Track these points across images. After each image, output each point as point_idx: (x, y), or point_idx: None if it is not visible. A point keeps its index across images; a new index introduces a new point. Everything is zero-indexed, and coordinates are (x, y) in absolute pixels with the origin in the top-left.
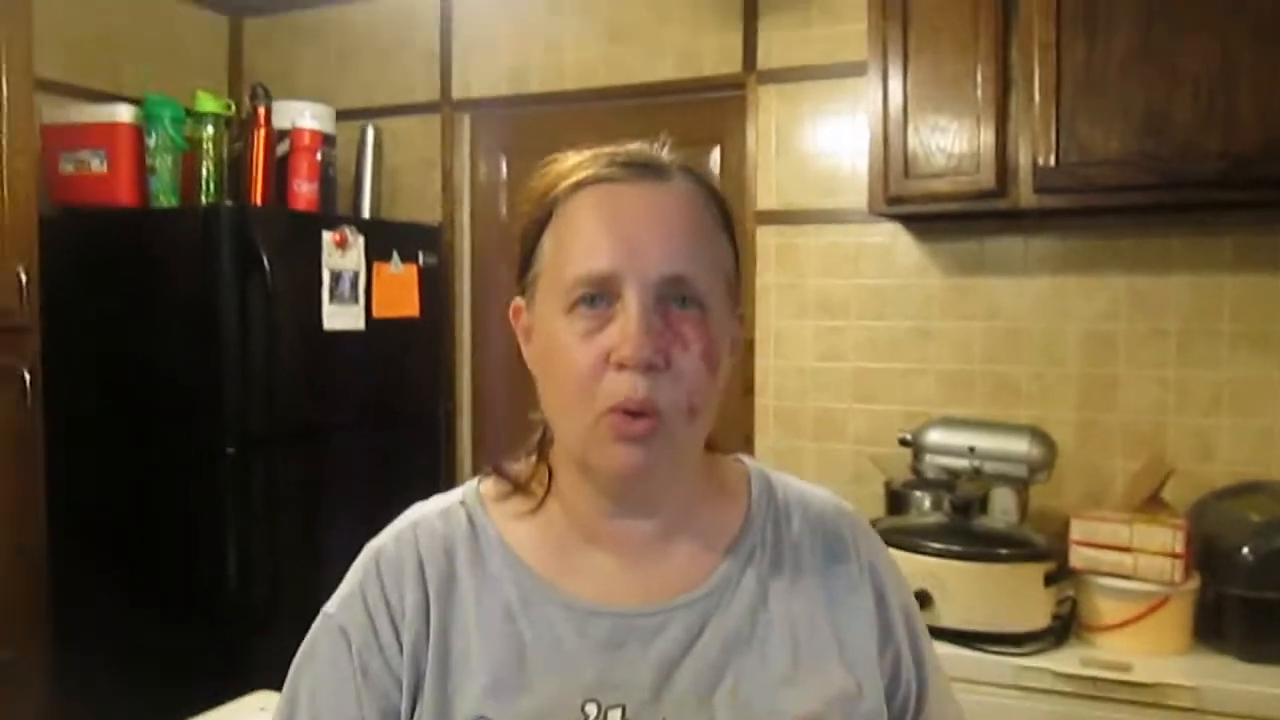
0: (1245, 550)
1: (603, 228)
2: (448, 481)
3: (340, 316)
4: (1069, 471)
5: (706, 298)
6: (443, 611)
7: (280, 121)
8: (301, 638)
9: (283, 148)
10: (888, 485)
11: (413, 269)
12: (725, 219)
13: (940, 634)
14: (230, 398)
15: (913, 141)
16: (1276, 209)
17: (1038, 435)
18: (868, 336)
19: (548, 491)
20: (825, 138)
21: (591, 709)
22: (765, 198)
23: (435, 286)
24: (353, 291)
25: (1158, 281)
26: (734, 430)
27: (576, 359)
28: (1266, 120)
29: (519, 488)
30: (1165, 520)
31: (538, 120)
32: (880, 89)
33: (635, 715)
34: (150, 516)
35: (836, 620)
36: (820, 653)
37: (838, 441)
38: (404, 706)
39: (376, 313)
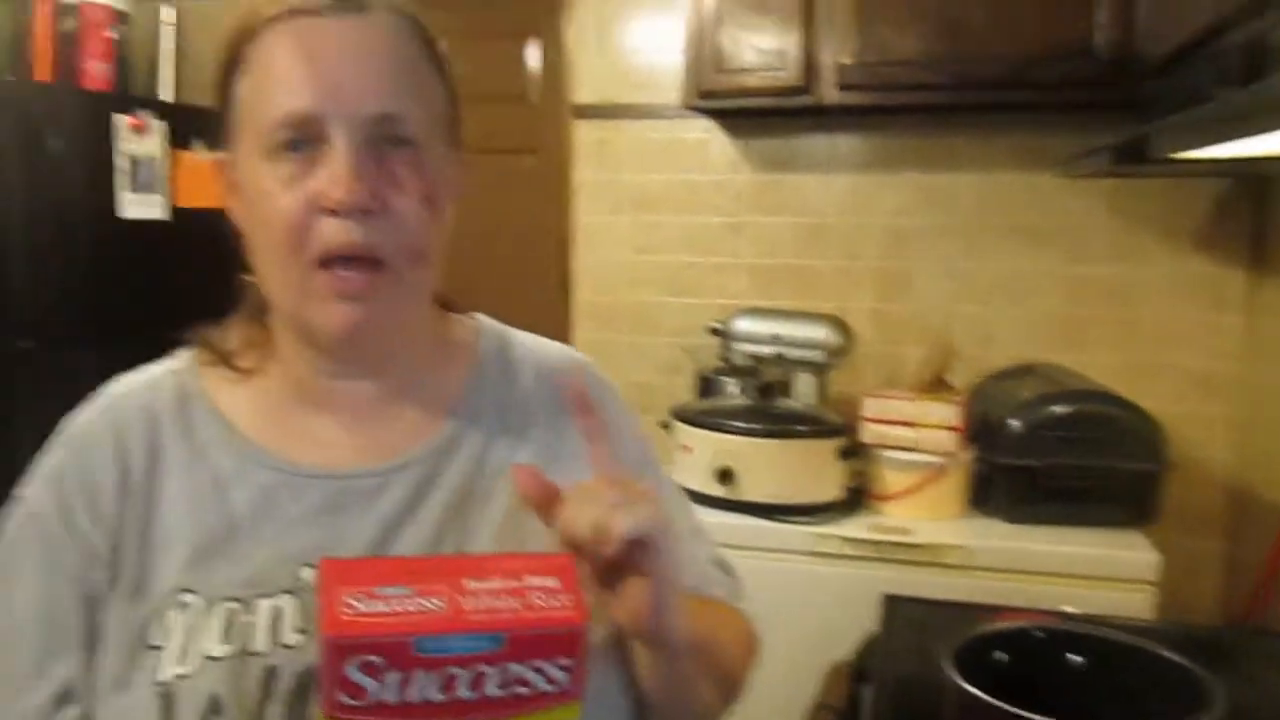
0: (1013, 422)
1: (300, 65)
2: None
3: (140, 205)
4: (866, 359)
5: (421, 137)
6: (145, 485)
7: None
8: None
9: (69, 24)
10: (698, 373)
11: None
12: (435, 54)
13: (742, 508)
14: (21, 289)
15: (724, 37)
16: (1052, 112)
17: (837, 323)
18: (682, 232)
19: (265, 356)
20: (643, 32)
21: (307, 573)
22: (582, 91)
23: None
24: (153, 179)
25: (948, 179)
26: (549, 326)
27: (282, 207)
28: (1048, 27)
29: (233, 353)
30: (946, 397)
31: None
32: None
33: None
34: None
35: (566, 469)
36: None
37: (652, 334)
38: (103, 589)
39: (180, 201)
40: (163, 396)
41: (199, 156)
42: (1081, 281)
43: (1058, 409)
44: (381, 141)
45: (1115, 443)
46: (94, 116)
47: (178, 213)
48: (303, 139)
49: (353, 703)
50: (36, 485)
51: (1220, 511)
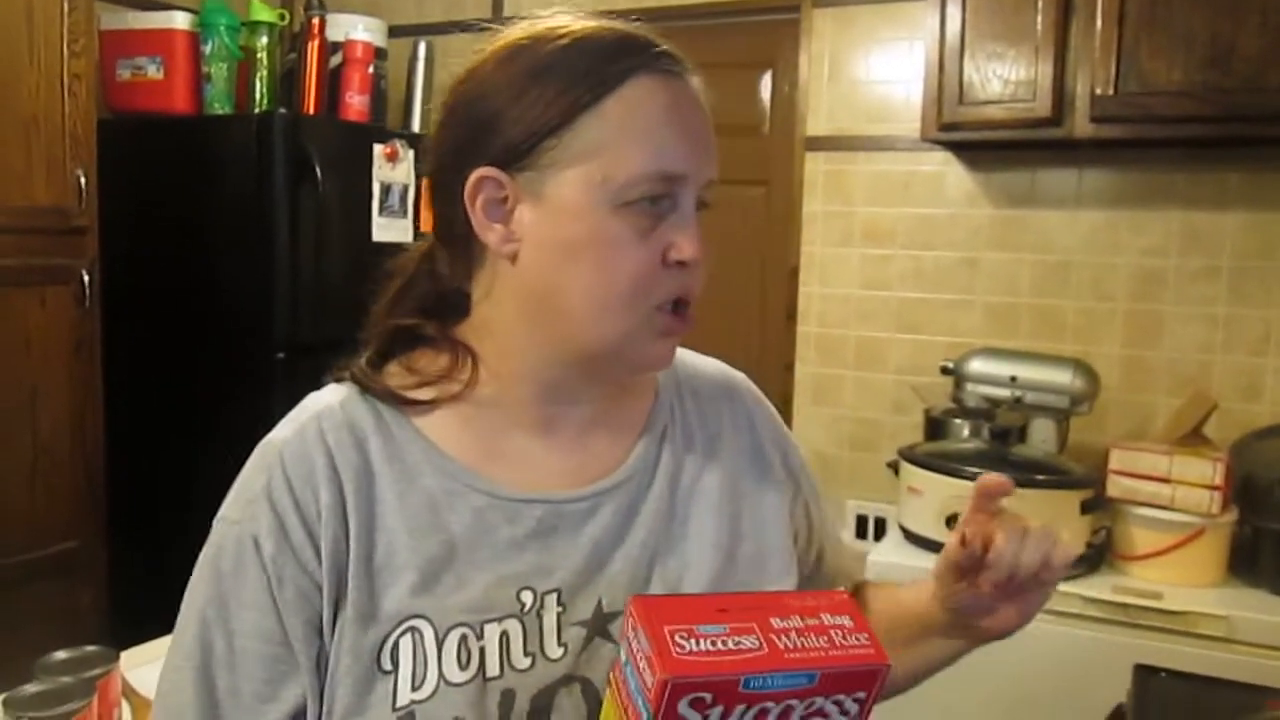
0: None
1: (677, 127)
2: None
3: (389, 229)
4: (1111, 406)
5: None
6: (362, 508)
7: (334, 34)
8: None
9: (335, 60)
10: (927, 413)
11: None
12: None
13: None
14: (281, 303)
15: (969, 68)
16: None
17: (1081, 367)
18: (914, 266)
19: (470, 381)
20: (879, 64)
21: (527, 596)
22: (815, 123)
23: None
24: (402, 205)
25: (1212, 217)
26: (774, 357)
27: (634, 256)
28: None
29: (437, 377)
30: (1206, 453)
31: None
32: (939, 13)
33: (571, 597)
34: (199, 416)
35: (749, 483)
36: (738, 517)
37: (879, 370)
38: (326, 613)
39: (424, 227)
40: (362, 416)
41: None
42: None
43: None
44: (700, 203)
45: None
46: (353, 146)
47: (420, 236)
48: (662, 195)
49: None
50: (248, 506)
51: None
